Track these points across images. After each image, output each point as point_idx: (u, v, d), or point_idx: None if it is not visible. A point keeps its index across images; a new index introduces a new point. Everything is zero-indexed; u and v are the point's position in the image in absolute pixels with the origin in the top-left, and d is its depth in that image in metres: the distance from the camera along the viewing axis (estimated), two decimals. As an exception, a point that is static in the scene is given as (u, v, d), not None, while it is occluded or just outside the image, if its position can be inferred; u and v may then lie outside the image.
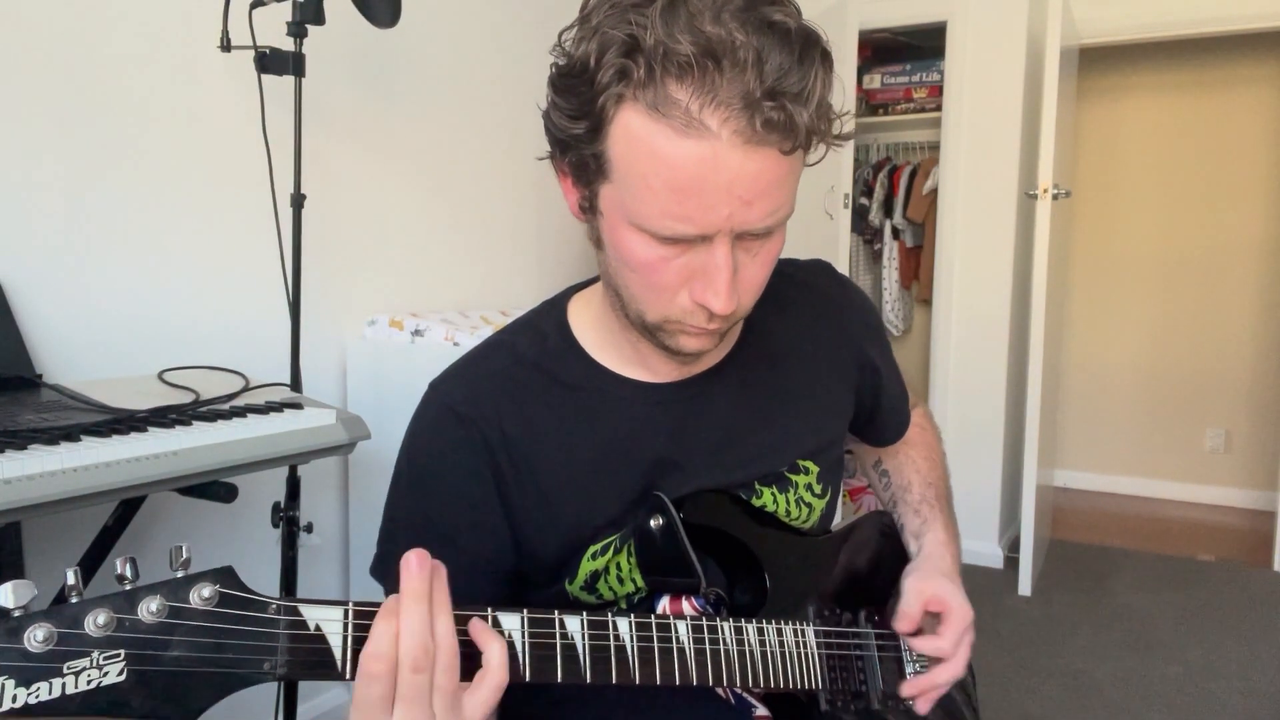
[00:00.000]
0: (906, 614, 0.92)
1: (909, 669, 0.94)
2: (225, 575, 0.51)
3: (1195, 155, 4.34)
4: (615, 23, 0.65)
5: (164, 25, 1.72)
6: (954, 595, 0.92)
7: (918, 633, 0.93)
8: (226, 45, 1.62)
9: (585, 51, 0.67)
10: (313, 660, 0.56)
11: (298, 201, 1.71)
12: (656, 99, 0.65)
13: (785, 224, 0.74)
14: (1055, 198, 3.10)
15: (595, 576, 0.86)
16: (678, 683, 0.72)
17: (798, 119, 0.65)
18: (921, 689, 0.89)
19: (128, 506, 1.41)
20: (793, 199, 0.72)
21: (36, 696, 0.43)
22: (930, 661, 0.93)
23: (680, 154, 0.66)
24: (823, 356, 0.96)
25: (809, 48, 0.66)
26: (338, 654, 0.58)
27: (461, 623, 0.62)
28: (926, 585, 0.93)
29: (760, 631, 0.80)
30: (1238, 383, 4.34)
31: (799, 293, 0.93)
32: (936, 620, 0.93)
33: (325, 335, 2.10)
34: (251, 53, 1.65)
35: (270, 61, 1.66)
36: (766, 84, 0.64)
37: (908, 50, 4.07)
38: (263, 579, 1.95)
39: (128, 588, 0.48)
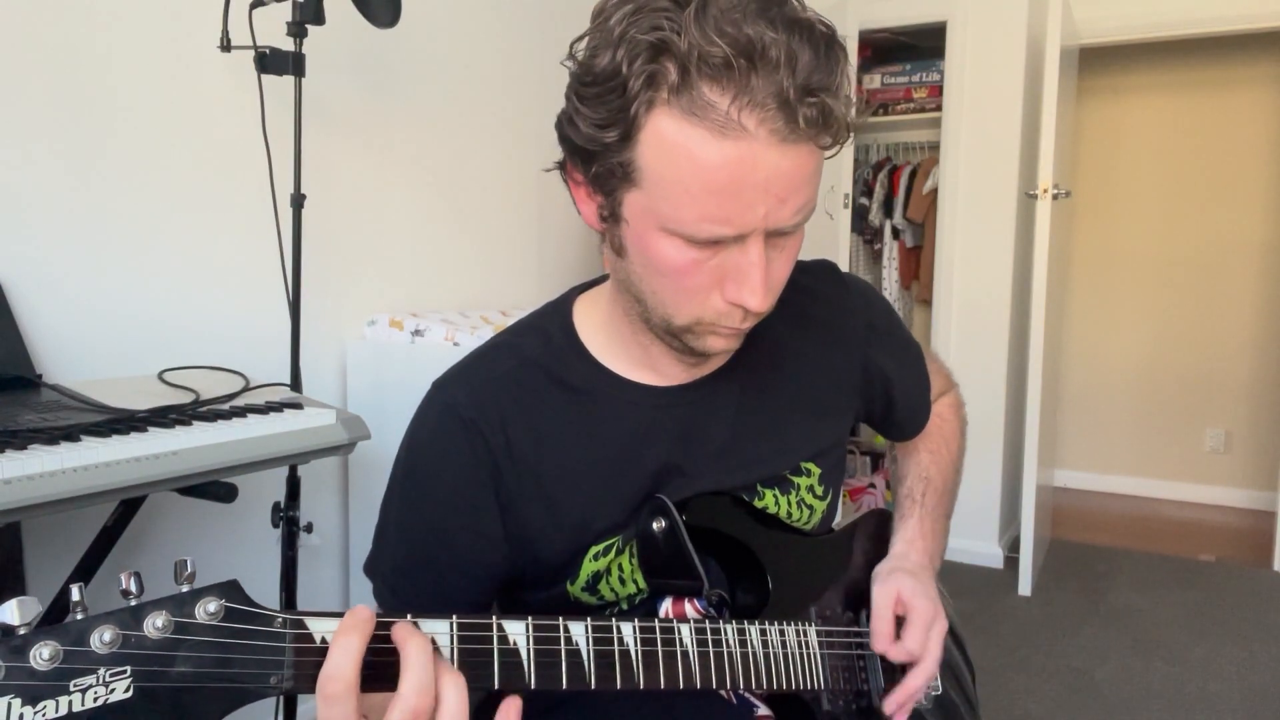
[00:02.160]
0: (878, 631, 0.89)
1: None
2: (231, 589, 0.51)
3: (1195, 155, 4.34)
4: (641, 28, 0.65)
5: (164, 25, 1.71)
6: (913, 592, 0.90)
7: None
8: (226, 45, 1.61)
9: (612, 58, 0.66)
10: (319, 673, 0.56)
11: (298, 201, 1.71)
12: (692, 102, 0.65)
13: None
14: (1055, 198, 3.09)
15: (597, 577, 0.86)
16: (681, 686, 0.72)
17: (837, 113, 0.66)
18: (900, 702, 0.88)
19: (128, 506, 1.41)
20: (817, 194, 0.72)
21: (43, 715, 0.43)
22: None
23: (718, 156, 0.65)
24: (825, 360, 0.96)
25: (831, 42, 0.67)
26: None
27: (473, 628, 0.62)
28: (889, 588, 0.91)
29: (763, 633, 0.80)
30: (1238, 383, 4.35)
31: (802, 296, 0.93)
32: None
33: (325, 335, 2.10)
34: (251, 53, 1.65)
35: (270, 61, 1.66)
36: (799, 81, 0.64)
37: (908, 50, 4.06)
38: (263, 579, 1.94)
39: (133, 603, 0.48)
